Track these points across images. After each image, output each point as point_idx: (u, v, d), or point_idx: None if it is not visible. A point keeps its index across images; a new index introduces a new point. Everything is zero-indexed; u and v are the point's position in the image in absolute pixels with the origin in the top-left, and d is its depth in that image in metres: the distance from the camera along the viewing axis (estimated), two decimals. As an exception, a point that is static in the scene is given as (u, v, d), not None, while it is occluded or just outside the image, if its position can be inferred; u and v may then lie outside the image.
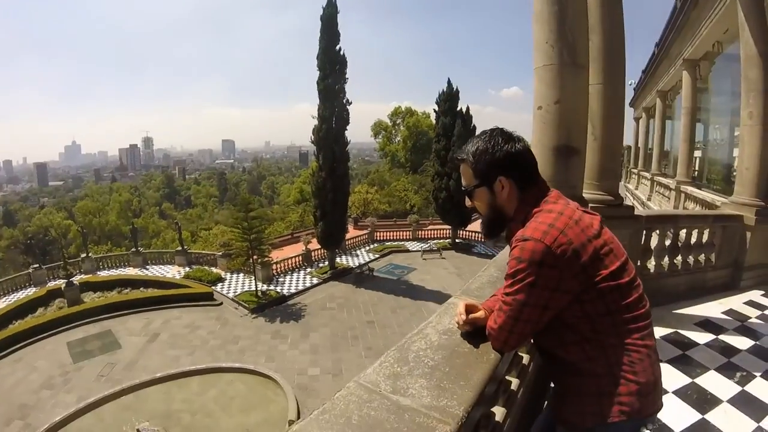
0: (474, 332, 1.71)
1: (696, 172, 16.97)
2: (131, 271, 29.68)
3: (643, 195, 20.33)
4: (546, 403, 2.86)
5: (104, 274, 29.16)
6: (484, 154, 1.59)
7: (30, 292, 25.92)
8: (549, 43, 4.14)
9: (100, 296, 24.99)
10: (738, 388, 4.29)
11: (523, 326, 1.51)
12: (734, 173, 17.84)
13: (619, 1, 5.31)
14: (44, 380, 16.66)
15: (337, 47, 27.07)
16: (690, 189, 13.61)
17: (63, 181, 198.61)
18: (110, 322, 21.42)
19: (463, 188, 1.70)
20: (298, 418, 13.49)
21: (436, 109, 35.75)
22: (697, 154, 17.22)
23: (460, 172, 1.69)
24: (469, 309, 1.75)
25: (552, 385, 1.91)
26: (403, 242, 37.52)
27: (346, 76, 27.69)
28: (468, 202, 1.70)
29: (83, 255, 30.91)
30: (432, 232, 39.19)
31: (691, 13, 12.18)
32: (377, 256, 33.88)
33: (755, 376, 4.52)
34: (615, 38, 5.29)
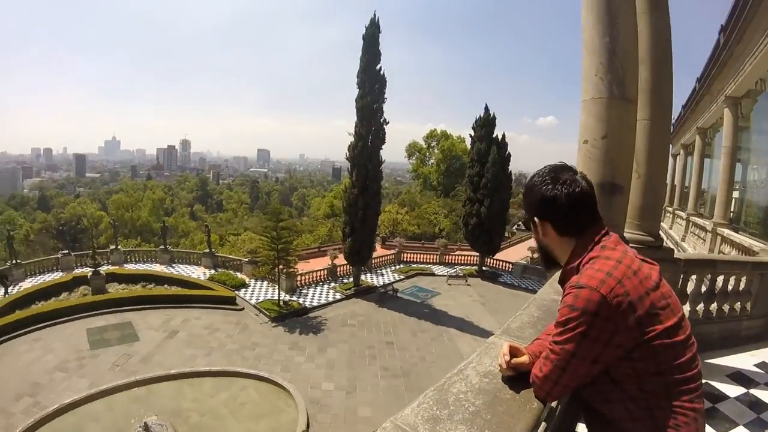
0: (516, 377, 1.63)
1: (733, 214, 16.44)
2: (157, 268, 30.19)
3: (677, 235, 19.77)
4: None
5: (131, 267, 29.78)
6: (530, 191, 1.59)
7: (56, 276, 26.68)
8: (598, 75, 4.05)
9: (124, 288, 25.52)
10: (768, 446, 4.08)
11: (569, 378, 1.43)
12: (774, 217, 17.29)
13: (667, 31, 5.19)
14: (59, 362, 16.98)
15: (378, 66, 27.24)
16: (727, 232, 13.17)
17: (100, 174, 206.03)
18: (131, 314, 21.78)
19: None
20: (307, 430, 13.41)
21: (472, 134, 35.43)
22: (735, 194, 16.70)
23: None
24: (513, 351, 1.68)
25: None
26: (429, 265, 37.17)
27: (385, 95, 27.82)
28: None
29: (112, 247, 31.75)
30: (459, 257, 38.74)
31: (735, 49, 11.86)
32: (402, 277, 33.62)
33: (785, 434, 4.31)
34: (664, 71, 5.18)
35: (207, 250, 32.57)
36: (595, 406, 1.55)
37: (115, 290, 24.94)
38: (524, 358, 1.65)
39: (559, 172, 1.55)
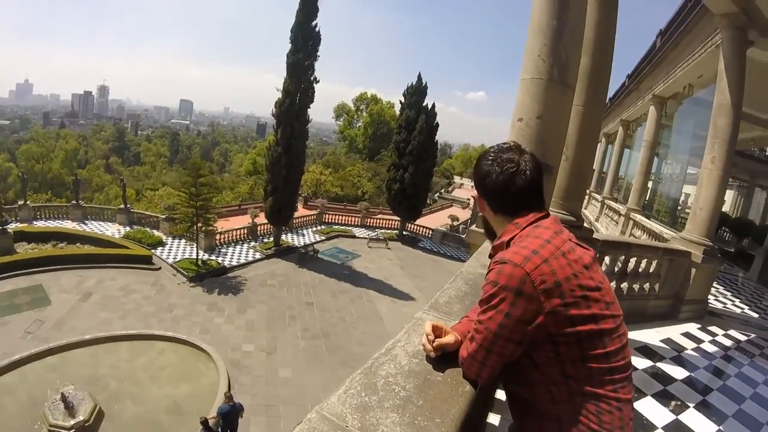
0: (443, 357, 1.57)
1: (646, 202, 17.70)
2: (69, 225, 28.02)
3: (591, 215, 21.02)
4: None
5: (41, 224, 27.41)
6: (477, 166, 1.54)
7: None
8: (541, 56, 4.04)
9: (34, 248, 23.48)
10: (672, 417, 4.44)
11: (495, 359, 1.38)
12: (680, 208, 18.89)
13: (613, 25, 5.32)
14: None
15: (314, 23, 26.40)
16: (639, 217, 14.14)
17: (9, 121, 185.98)
18: (42, 276, 20.21)
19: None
20: (228, 392, 13.24)
21: (402, 100, 35.56)
22: (649, 184, 17.97)
23: None
24: (436, 331, 1.61)
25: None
26: (350, 227, 37.57)
27: (318, 53, 27.14)
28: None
29: (21, 202, 28.86)
30: (380, 221, 39.42)
31: (669, 53, 12.59)
32: (323, 238, 33.67)
33: (689, 407, 4.71)
34: (604, 62, 5.32)
35: (122, 206, 30.61)
36: (514, 389, 1.52)
37: (24, 250, 22.94)
38: (449, 338, 1.59)
39: (505, 151, 1.49)
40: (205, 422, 10.83)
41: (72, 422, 11.47)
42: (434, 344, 1.56)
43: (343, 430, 1.14)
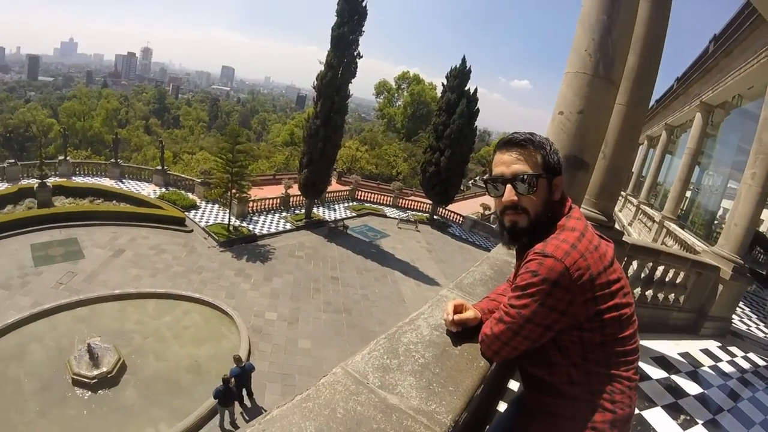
0: (462, 332, 1.66)
1: (682, 212, 17.21)
2: (106, 182, 28.87)
3: (625, 219, 20.60)
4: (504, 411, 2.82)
5: (79, 180, 28.31)
6: (554, 148, 1.51)
7: (1, 187, 24.93)
8: (588, 51, 4.00)
9: (71, 202, 24.38)
10: (679, 430, 4.41)
11: (520, 341, 1.46)
12: (716, 222, 18.36)
13: (664, 25, 5.18)
14: (2, 280, 16.22)
15: (361, -4, 26.24)
16: (673, 226, 13.80)
17: (53, 78, 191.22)
18: (77, 230, 20.94)
19: (515, 175, 1.47)
20: (248, 358, 13.62)
21: (445, 83, 34.81)
22: (687, 194, 17.45)
23: (508, 157, 1.50)
24: (457, 308, 1.70)
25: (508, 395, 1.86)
26: (382, 206, 37.42)
27: (363, 28, 26.84)
28: (509, 194, 1.49)
29: (61, 157, 29.78)
30: (412, 202, 39.12)
31: (721, 60, 12.14)
32: (354, 214, 33.72)
33: (697, 423, 4.68)
34: (651, 62, 5.20)
35: (159, 167, 31.37)
36: (533, 370, 1.60)
37: (61, 204, 23.79)
38: (469, 313, 1.68)
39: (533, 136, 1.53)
40: (227, 380, 11.19)
41: (96, 372, 11.99)
42: (455, 318, 1.66)
43: (364, 386, 1.24)
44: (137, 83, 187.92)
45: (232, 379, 11.77)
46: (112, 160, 31.14)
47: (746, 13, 9.65)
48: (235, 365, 12.06)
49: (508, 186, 1.48)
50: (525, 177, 1.45)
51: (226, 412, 11.43)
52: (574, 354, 1.46)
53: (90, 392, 11.76)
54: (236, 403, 11.79)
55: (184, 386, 12.71)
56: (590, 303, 1.38)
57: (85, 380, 11.84)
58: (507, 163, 1.49)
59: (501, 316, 1.50)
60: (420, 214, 37.01)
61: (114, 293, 16.27)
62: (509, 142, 1.51)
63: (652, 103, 22.63)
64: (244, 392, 12.36)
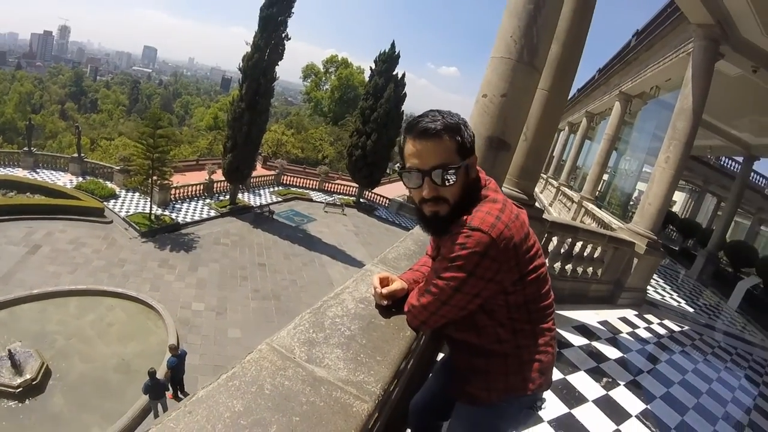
0: (389, 304, 1.69)
1: (599, 193, 18.35)
2: (20, 173, 26.52)
3: (545, 199, 21.68)
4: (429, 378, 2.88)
5: (-11, 171, 25.89)
6: (467, 128, 1.43)
7: None
8: (513, 37, 4.16)
9: (-20, 196, 22.26)
10: (603, 392, 4.76)
11: (448, 310, 1.51)
12: (632, 203, 19.72)
13: (587, 19, 5.47)
14: None
15: (291, -23, 25.62)
16: (591, 206, 14.69)
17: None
18: (-12, 227, 19.23)
19: (434, 168, 1.39)
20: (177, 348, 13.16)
21: (373, 67, 34.90)
22: (605, 177, 18.63)
23: (424, 148, 1.40)
24: (383, 281, 1.73)
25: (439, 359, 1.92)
26: (308, 191, 37.06)
27: (293, 10, 26.43)
28: (429, 189, 1.43)
29: None
30: (339, 186, 39.07)
31: (642, 54, 13.01)
32: (280, 199, 33.21)
33: (619, 384, 5.05)
34: (573, 53, 5.49)
35: (76, 155, 29.21)
36: (460, 335, 1.67)
37: (-30, 198, 21.64)
38: (396, 285, 1.72)
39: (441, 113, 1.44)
40: (153, 373, 10.78)
41: (19, 380, 11.13)
42: (384, 291, 1.68)
43: (291, 360, 1.22)
44: (53, 64, 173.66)
45: (168, 371, 11.40)
46: (25, 149, 28.47)
47: (668, 11, 10.40)
48: (170, 355, 11.66)
49: (427, 179, 1.41)
50: (444, 170, 1.39)
51: (159, 404, 11.02)
52: (501, 316, 1.55)
53: (16, 402, 10.92)
54: (168, 396, 11.39)
55: (113, 387, 12.06)
56: (514, 269, 1.44)
57: (9, 390, 10.95)
58: (422, 155, 1.40)
59: (429, 287, 1.53)
60: (346, 197, 37.12)
61: (32, 293, 15.05)
62: (423, 133, 1.38)
63: (573, 91, 23.92)
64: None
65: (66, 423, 10.65)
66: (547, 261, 6.66)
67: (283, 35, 26.49)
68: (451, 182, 1.41)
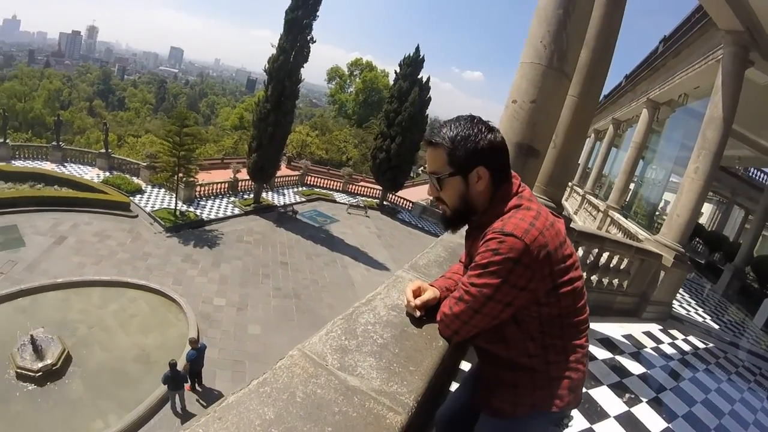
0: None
1: (626, 202, 17.99)
2: (48, 166, 27.25)
3: (571, 207, 21.33)
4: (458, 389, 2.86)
5: (19, 164, 26.60)
6: (466, 141, 1.46)
7: None
8: (543, 42, 4.09)
9: (11, 187, 22.89)
10: (625, 408, 4.64)
11: (480, 319, 1.47)
12: (658, 213, 19.30)
13: (617, 24, 5.37)
14: None
15: (317, -20, 25.81)
16: (617, 216, 14.41)
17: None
18: (17, 216, 19.73)
19: (430, 174, 1.55)
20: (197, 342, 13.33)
21: (398, 70, 34.99)
22: (631, 186, 18.25)
23: (428, 154, 1.54)
24: (415, 292, 1.68)
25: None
26: (331, 192, 37.19)
27: (318, 13, 26.62)
28: (431, 191, 1.59)
29: (0, 140, 27.90)
30: (362, 188, 39.18)
31: (669, 61, 12.70)
32: (303, 199, 33.45)
33: (641, 401, 4.92)
34: (603, 58, 5.37)
35: (103, 151, 29.93)
36: (490, 346, 1.64)
37: (0, 189, 22.32)
38: (429, 294, 1.67)
39: (485, 122, 1.51)
40: (174, 365, 10.92)
41: (40, 365, 11.42)
42: (418, 302, 1.64)
43: (323, 368, 1.20)
44: (81, 63, 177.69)
45: (187, 364, 11.56)
46: (54, 143, 29.34)
47: (696, 18, 10.14)
48: (190, 348, 11.84)
49: (431, 180, 1.57)
50: (435, 177, 1.53)
51: (177, 395, 11.22)
52: (533, 328, 1.51)
53: (35, 386, 11.21)
54: (186, 388, 11.57)
55: (132, 377, 12.31)
56: (548, 278, 1.41)
57: (30, 374, 11.27)
58: (428, 160, 1.56)
59: (461, 294, 1.49)
60: (370, 199, 37.18)
61: (57, 282, 15.46)
62: (427, 141, 1.54)
63: (600, 98, 23.55)
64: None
65: (83, 408, 10.92)
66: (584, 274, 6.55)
67: (308, 38, 26.71)
68: (441, 187, 1.54)
